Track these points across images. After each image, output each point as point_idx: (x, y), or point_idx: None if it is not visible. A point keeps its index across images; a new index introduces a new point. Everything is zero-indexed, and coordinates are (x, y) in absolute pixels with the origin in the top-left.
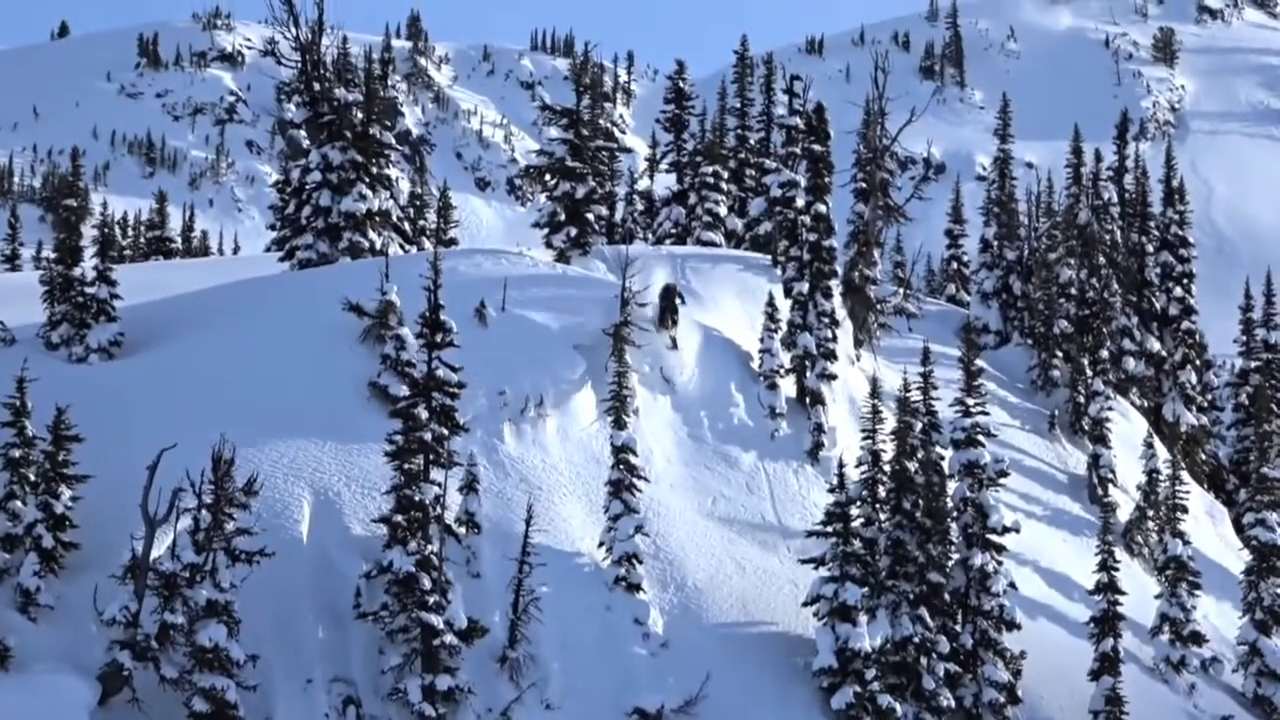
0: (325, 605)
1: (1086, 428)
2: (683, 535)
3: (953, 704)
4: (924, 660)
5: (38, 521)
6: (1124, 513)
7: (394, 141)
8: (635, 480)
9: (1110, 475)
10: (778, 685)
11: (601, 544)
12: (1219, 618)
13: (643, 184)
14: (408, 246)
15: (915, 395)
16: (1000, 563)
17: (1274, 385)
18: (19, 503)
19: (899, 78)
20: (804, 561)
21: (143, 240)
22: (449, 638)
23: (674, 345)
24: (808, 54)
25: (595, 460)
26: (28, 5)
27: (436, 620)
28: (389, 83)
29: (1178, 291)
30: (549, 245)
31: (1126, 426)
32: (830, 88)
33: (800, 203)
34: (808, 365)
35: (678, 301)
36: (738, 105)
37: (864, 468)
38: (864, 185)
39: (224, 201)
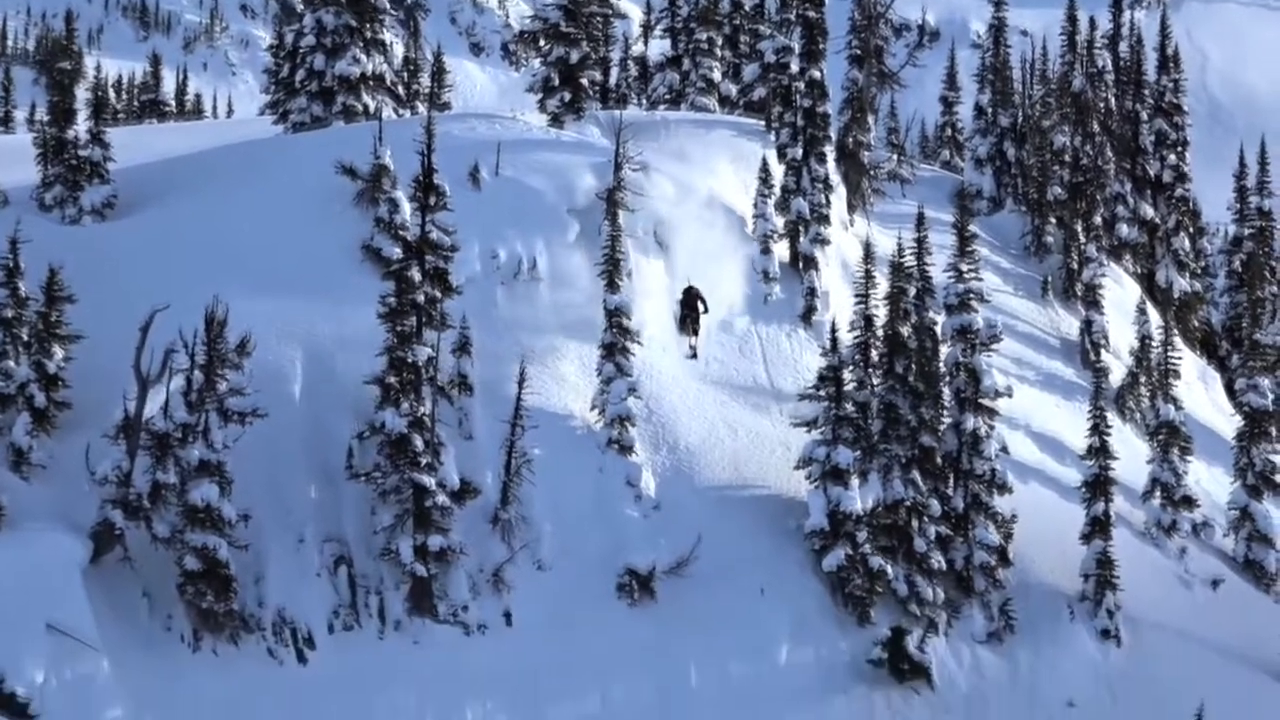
0: (317, 465)
1: (1079, 293)
2: (675, 398)
3: (944, 566)
4: (915, 522)
5: (30, 381)
6: (1116, 377)
7: (388, 5)
8: (628, 343)
9: (1103, 340)
10: (769, 547)
11: (594, 406)
12: (1210, 482)
13: (637, 49)
14: (401, 110)
15: (909, 260)
16: (992, 426)
17: (1267, 251)
18: (12, 362)
19: None
20: (796, 424)
21: (136, 103)
22: (441, 498)
23: (693, 354)
24: None
25: (588, 323)
26: None
27: (428, 480)
28: None
29: (1171, 158)
30: (543, 109)
31: (1119, 292)
32: None
33: (795, 68)
34: (801, 230)
35: (700, 307)
36: None
37: (857, 331)
38: (858, 51)
39: (218, 65)
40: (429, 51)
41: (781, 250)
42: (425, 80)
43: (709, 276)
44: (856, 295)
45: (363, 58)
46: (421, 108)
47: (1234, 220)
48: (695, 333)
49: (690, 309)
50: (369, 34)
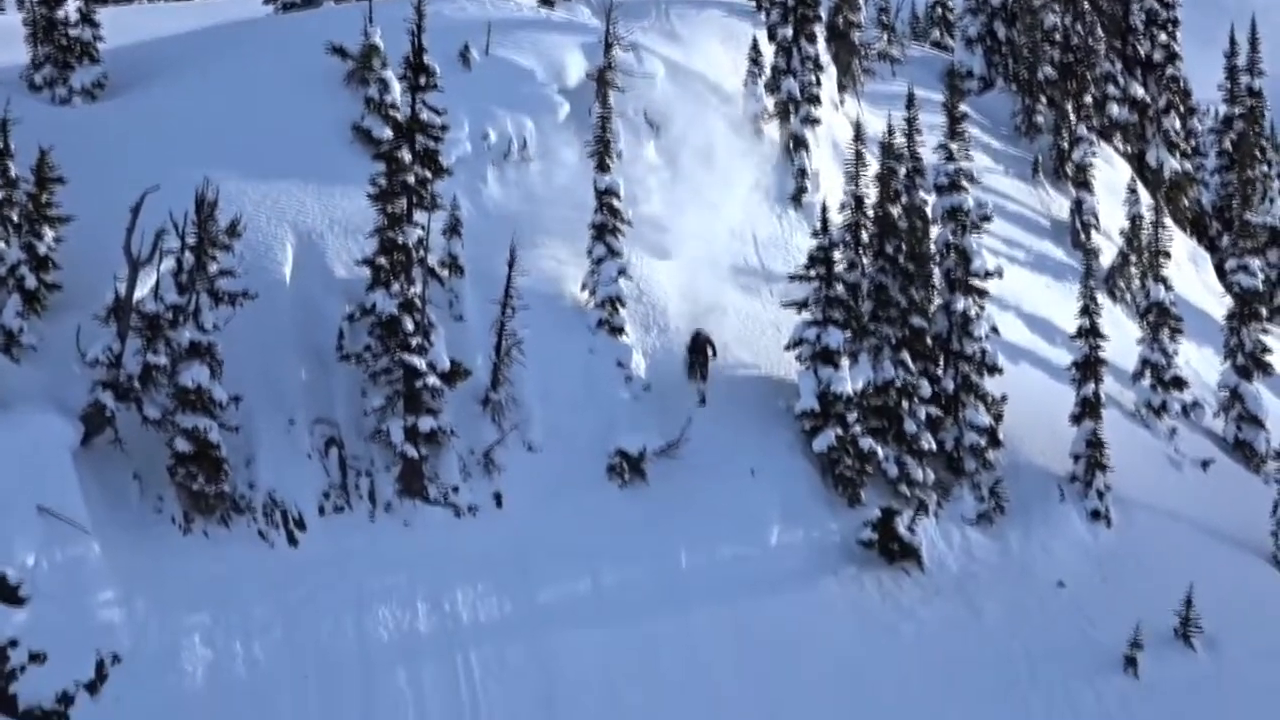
0: (308, 347)
1: (1070, 173)
2: (665, 279)
3: (934, 447)
4: (905, 404)
5: (21, 263)
6: (1107, 258)
7: None
8: (618, 224)
9: (1093, 220)
10: (760, 427)
11: (584, 287)
12: (1200, 363)
13: None
14: None
15: (899, 140)
16: (982, 307)
17: (1258, 131)
18: (2, 244)
19: None
20: (786, 305)
21: None
22: (431, 379)
23: (702, 401)
24: None
25: (578, 204)
26: None
27: (419, 362)
28: None
29: (1162, 37)
30: None
31: (1110, 172)
32: None
33: None
34: (791, 110)
35: (709, 353)
36: None
37: (847, 212)
38: None
39: None
40: None
41: (772, 131)
42: None
43: (699, 157)
44: (847, 176)
45: None
46: None
47: (1225, 100)
48: (704, 378)
49: (699, 354)
50: None
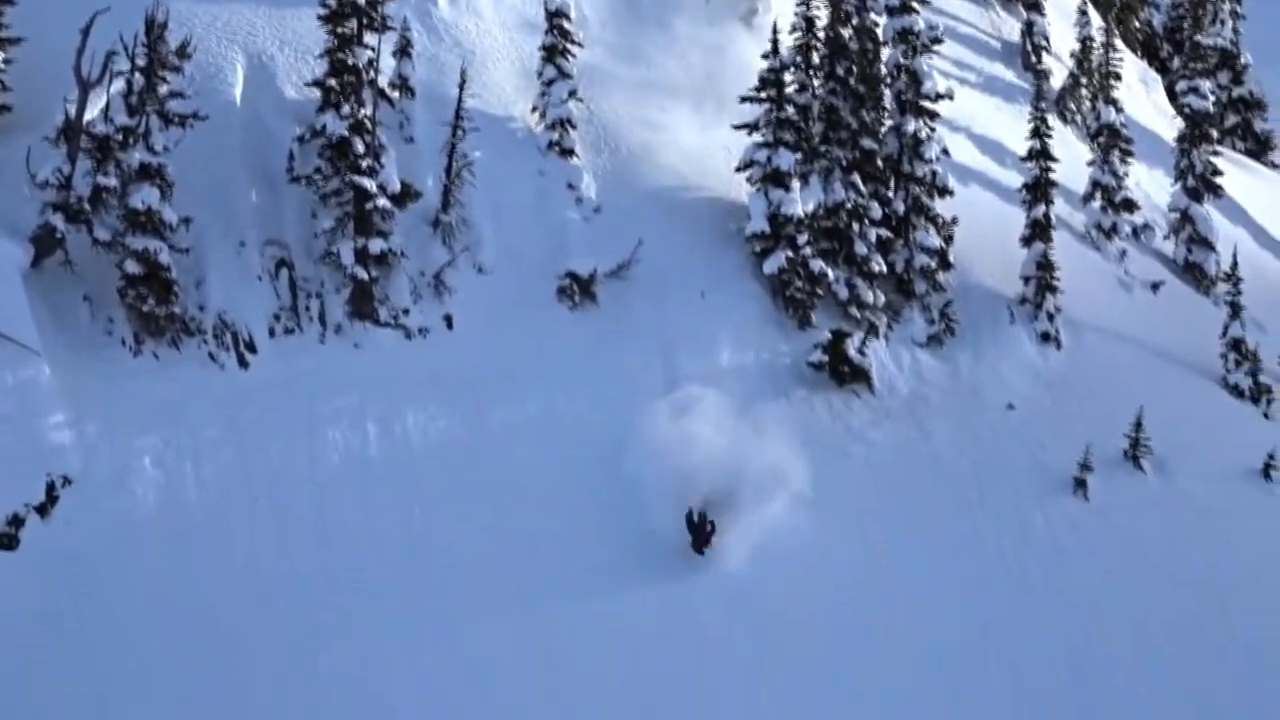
0: (258, 169)
1: None
2: (616, 101)
3: (884, 269)
4: (856, 226)
5: None
6: (1057, 80)
7: None
8: (569, 45)
9: (1044, 42)
10: (710, 250)
11: (535, 109)
12: (1151, 184)
13: None
14: None
15: None
16: (933, 129)
17: None
18: None
19: None
20: (737, 127)
21: None
22: (382, 201)
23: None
24: None
25: (529, 25)
26: None
27: (369, 184)
28: None
29: None
30: None
31: None
32: None
33: None
34: None
35: (709, 531)
36: None
37: (798, 34)
38: None
39: None
40: None
41: None
42: None
43: None
44: None
45: None
46: None
47: None
48: (702, 550)
49: (699, 533)
50: None
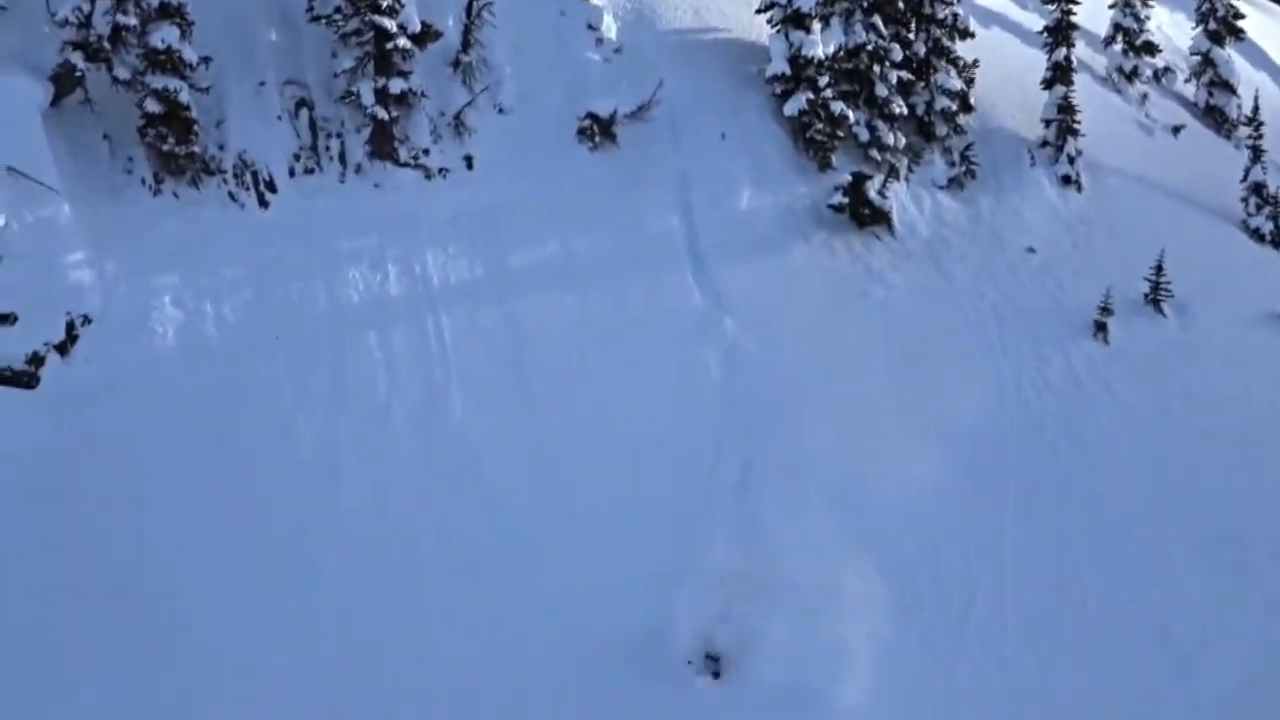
0: (277, 8)
1: None
2: None
3: (905, 111)
4: (876, 68)
5: None
6: None
7: None
8: None
9: None
10: (730, 91)
11: None
12: (1172, 28)
13: None
14: None
15: None
16: None
17: None
18: None
19: None
20: None
21: None
22: (402, 41)
23: None
24: None
25: None
26: None
27: (389, 23)
28: None
29: None
30: None
31: None
32: None
33: None
34: None
35: None
36: None
37: None
38: None
39: None
40: None
41: None
42: None
43: None
44: None
45: None
46: None
47: None
48: None
49: None
50: None
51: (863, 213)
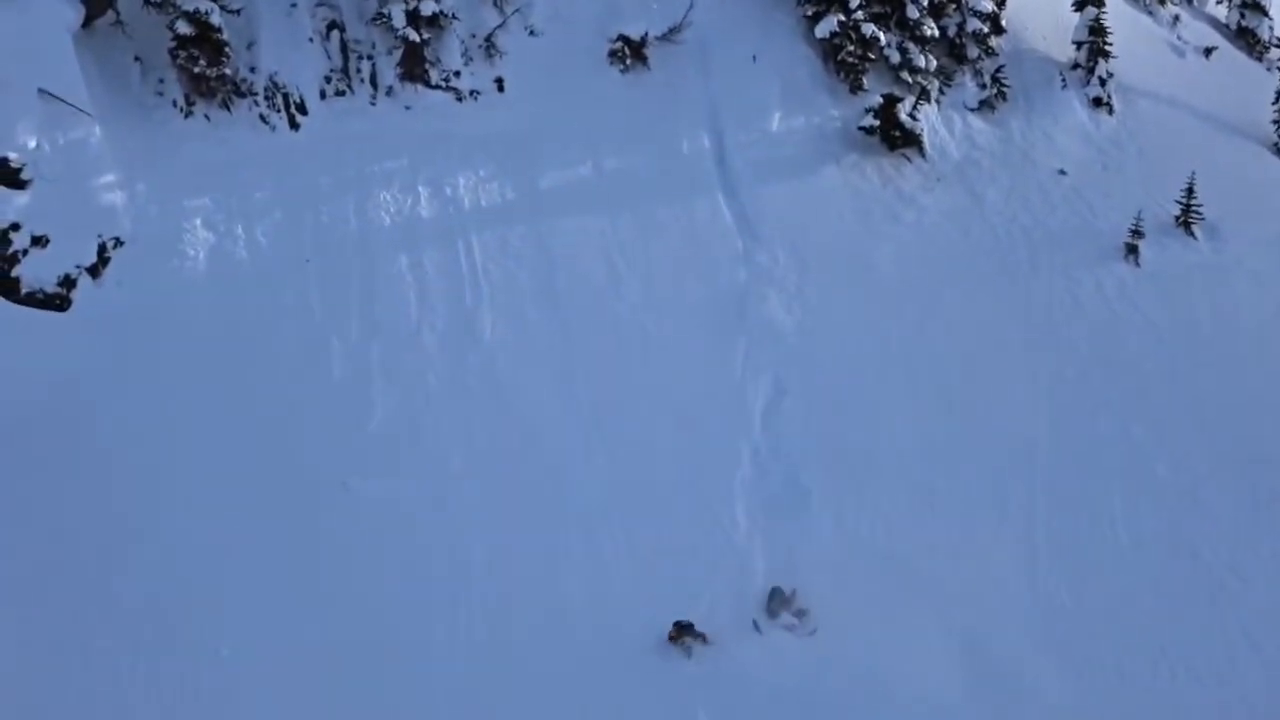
0: None
1: None
2: None
3: (936, 33)
4: None
5: None
6: None
7: None
8: None
9: None
10: (761, 14)
11: None
12: None
13: None
14: None
15: None
16: None
17: None
18: None
19: None
20: None
21: None
22: None
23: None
24: None
25: None
26: None
27: None
28: None
29: None
30: None
31: None
32: None
33: None
34: None
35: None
36: None
37: None
38: None
39: None
40: None
41: None
42: None
43: None
44: None
45: None
46: None
47: None
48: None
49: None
50: None
51: (893, 135)
